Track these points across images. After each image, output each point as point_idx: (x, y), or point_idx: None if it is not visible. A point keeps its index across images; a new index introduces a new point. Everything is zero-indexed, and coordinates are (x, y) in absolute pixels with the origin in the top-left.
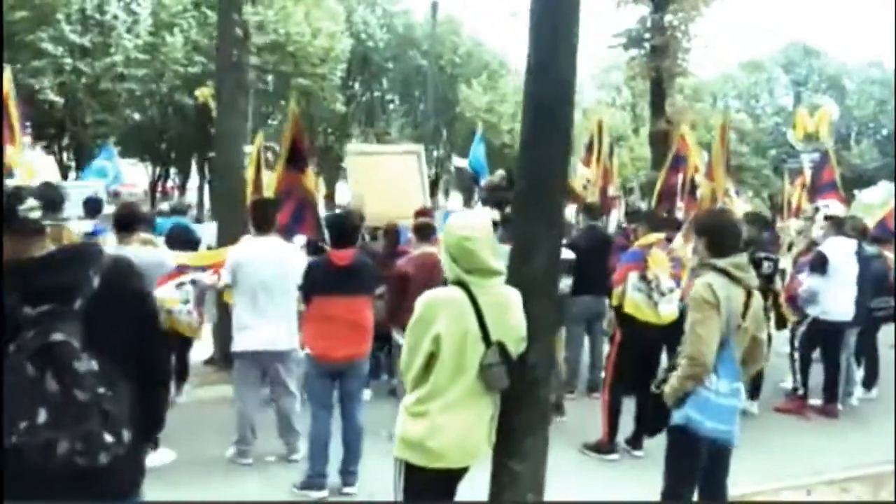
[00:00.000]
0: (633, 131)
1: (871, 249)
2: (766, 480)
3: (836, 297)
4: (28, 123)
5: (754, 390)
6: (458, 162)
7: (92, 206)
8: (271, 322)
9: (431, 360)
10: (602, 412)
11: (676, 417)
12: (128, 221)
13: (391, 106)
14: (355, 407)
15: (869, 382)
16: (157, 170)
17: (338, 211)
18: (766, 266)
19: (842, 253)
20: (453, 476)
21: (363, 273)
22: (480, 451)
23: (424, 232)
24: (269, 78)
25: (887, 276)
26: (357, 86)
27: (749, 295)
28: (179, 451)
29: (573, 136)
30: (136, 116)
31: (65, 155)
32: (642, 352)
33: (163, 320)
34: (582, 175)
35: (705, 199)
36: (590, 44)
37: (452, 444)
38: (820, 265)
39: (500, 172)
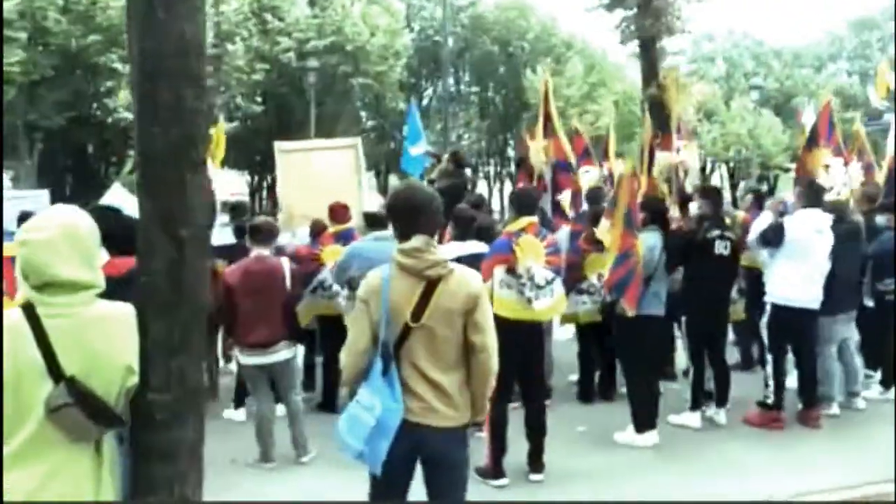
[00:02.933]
0: (724, 104)
1: (880, 220)
2: None
3: (802, 282)
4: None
5: (720, 395)
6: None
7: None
8: None
9: None
10: (486, 432)
11: None
12: None
13: (473, 98)
14: None
15: (887, 380)
16: (255, 178)
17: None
18: (720, 246)
19: (812, 228)
20: None
21: None
22: None
23: (259, 234)
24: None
25: None
26: (427, 81)
27: (431, 285)
28: None
29: (206, 106)
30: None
31: None
32: (523, 356)
33: None
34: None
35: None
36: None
37: None
38: (774, 236)
39: (446, 156)
